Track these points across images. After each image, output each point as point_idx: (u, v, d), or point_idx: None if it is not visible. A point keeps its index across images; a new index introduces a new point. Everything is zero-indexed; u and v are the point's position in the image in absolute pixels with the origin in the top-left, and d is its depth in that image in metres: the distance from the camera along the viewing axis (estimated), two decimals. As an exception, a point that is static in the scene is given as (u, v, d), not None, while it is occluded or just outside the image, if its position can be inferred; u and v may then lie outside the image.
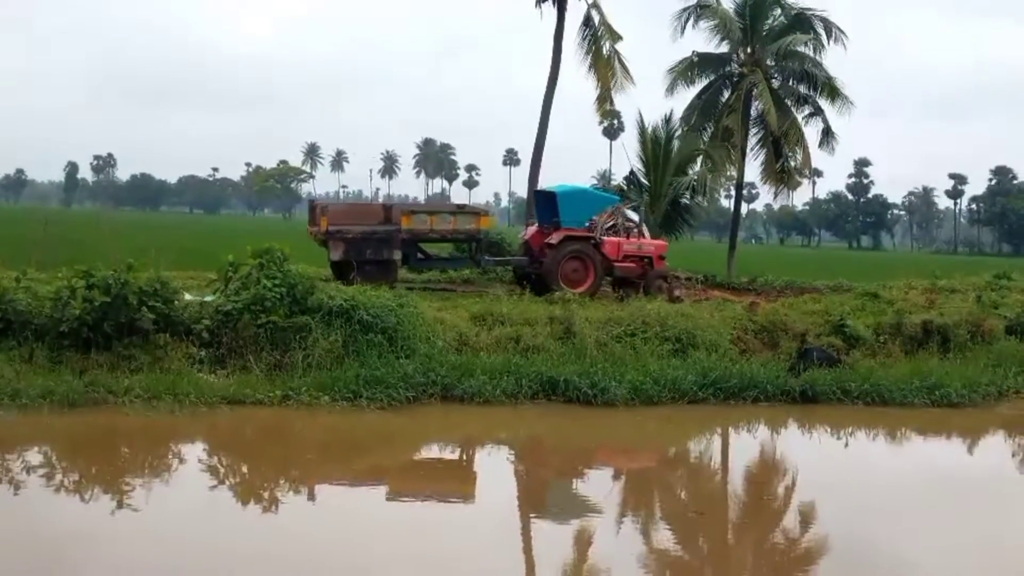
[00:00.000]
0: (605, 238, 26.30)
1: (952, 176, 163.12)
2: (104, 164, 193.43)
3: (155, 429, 15.11)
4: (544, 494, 14.34)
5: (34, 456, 13.88)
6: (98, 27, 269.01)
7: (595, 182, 56.68)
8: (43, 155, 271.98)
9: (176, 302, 17.65)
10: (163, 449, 14.81)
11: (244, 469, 14.35)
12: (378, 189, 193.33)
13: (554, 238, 25.47)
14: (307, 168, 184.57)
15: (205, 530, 11.41)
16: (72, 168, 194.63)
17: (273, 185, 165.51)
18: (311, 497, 13.22)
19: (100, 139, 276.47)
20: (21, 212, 73.42)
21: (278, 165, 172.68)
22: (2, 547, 10.35)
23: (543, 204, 27.52)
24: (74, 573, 9.86)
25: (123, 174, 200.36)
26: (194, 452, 14.89)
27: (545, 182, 35.81)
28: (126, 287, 17.04)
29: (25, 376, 15.83)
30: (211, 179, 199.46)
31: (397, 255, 24.14)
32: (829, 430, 17.83)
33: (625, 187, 39.35)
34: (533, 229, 26.98)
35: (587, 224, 26.31)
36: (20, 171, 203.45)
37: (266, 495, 13.05)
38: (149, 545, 10.90)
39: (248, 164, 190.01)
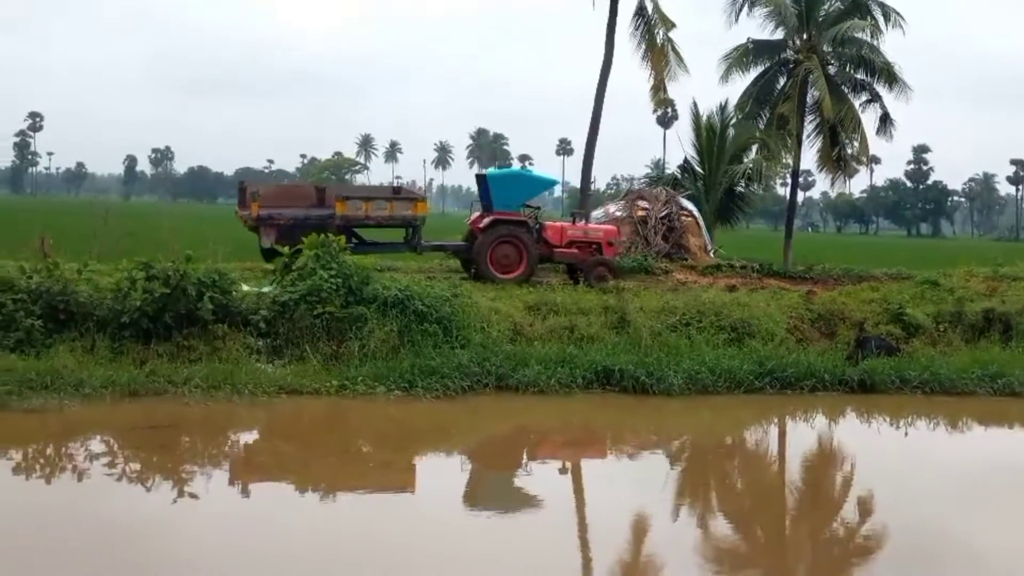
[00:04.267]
0: (547, 223, 26.16)
1: (1014, 162, 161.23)
2: (162, 157, 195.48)
3: (215, 418, 15.29)
4: (600, 485, 14.32)
5: (97, 445, 14.04)
6: (155, 20, 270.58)
7: (649, 170, 56.54)
8: (103, 149, 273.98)
9: (234, 293, 17.89)
10: (223, 438, 15.02)
11: (302, 459, 14.39)
12: (431, 180, 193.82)
13: (483, 222, 25.22)
14: (361, 159, 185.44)
15: (264, 520, 11.52)
16: (131, 161, 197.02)
17: (328, 177, 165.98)
18: (367, 488, 13.27)
19: (158, 132, 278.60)
20: (81, 205, 74.16)
21: (333, 157, 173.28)
22: (67, 535, 10.57)
23: (483, 188, 26.85)
24: (136, 561, 9.99)
25: (180, 167, 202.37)
26: (253, 441, 15.14)
27: (598, 170, 35.77)
28: (185, 278, 17.23)
29: (87, 366, 16.02)
30: (266, 171, 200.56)
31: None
32: (888, 419, 17.73)
33: (679, 176, 39.32)
34: (477, 214, 26.66)
35: (523, 206, 25.95)
36: (80, 164, 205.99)
37: (324, 485, 13.05)
38: (210, 534, 11.09)
39: (303, 156, 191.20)
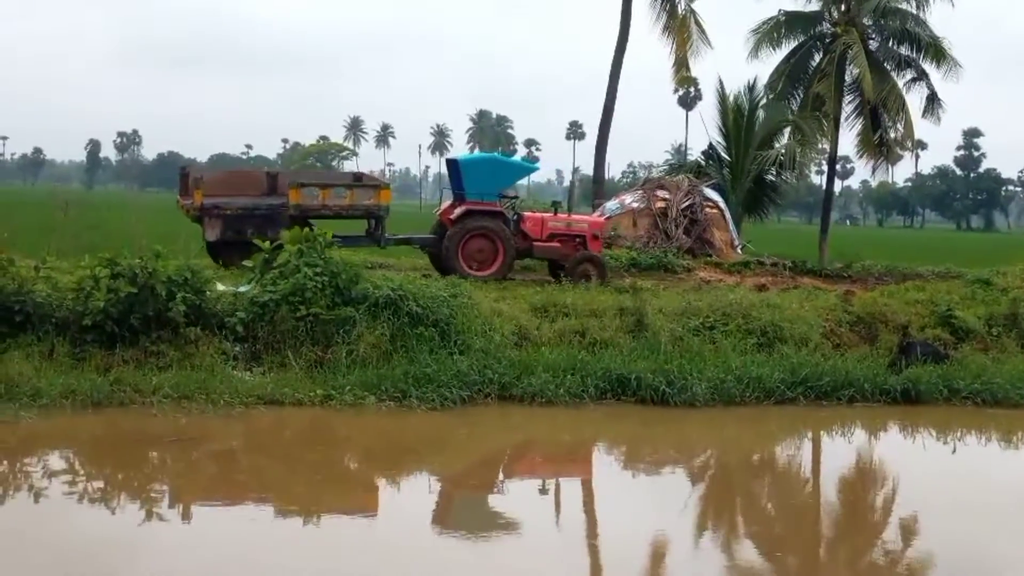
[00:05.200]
0: (527, 214, 26.16)
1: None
2: (128, 142, 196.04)
3: (186, 431, 15.14)
4: (614, 507, 14.22)
5: (56, 461, 13.94)
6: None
7: (669, 157, 56.45)
8: (63, 133, 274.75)
9: (208, 293, 17.80)
10: (195, 454, 14.87)
11: (281, 477, 14.35)
12: (427, 167, 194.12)
13: (455, 212, 25.00)
14: (350, 144, 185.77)
15: (238, 542, 11.50)
16: (94, 146, 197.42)
17: (313, 164, 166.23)
18: (353, 510, 13.28)
19: (124, 115, 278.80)
20: (40, 194, 74.53)
21: (318, 141, 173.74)
22: (24, 556, 10.51)
23: (455, 175, 26.54)
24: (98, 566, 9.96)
25: (149, 153, 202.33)
26: (228, 458, 15.02)
27: (613, 157, 35.82)
28: (154, 277, 17.15)
29: (46, 374, 15.93)
30: (244, 157, 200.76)
31: (284, 232, 21.48)
32: (935, 433, 17.66)
33: (703, 163, 39.27)
34: (448, 204, 26.45)
35: (500, 195, 25.79)
36: (38, 150, 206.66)
37: (306, 506, 13.04)
38: (178, 558, 11.02)
39: (285, 141, 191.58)
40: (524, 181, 43.94)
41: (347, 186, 26.19)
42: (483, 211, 24.90)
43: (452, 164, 27.20)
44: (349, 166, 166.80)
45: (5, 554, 10.73)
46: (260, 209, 23.89)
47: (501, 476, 15.26)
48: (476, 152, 34.82)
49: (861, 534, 13.47)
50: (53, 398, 15.42)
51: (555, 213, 26.32)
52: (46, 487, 12.97)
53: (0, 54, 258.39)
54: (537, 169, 29.99)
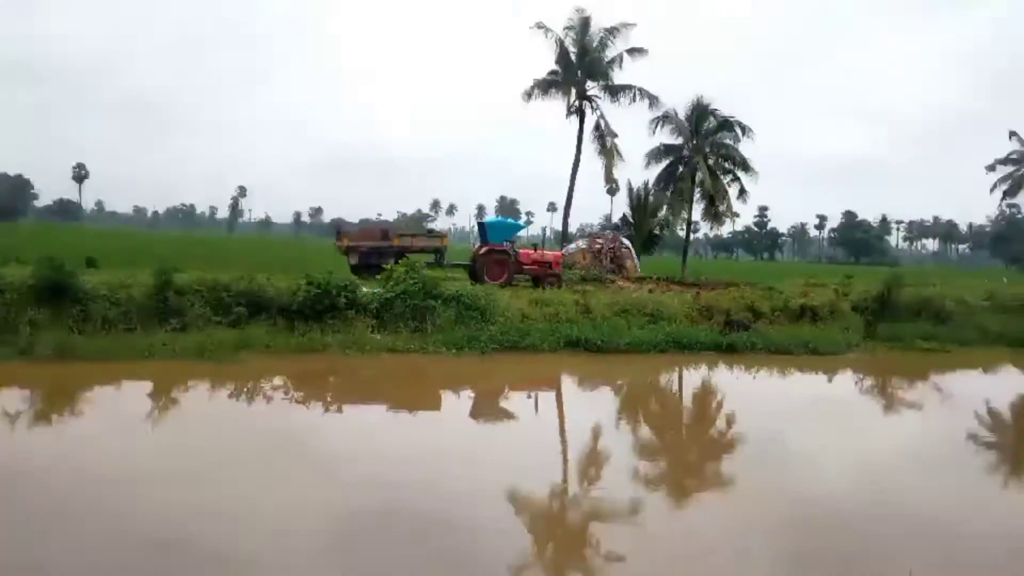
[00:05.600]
0: (520, 250, 26.06)
1: (818, 216, 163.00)
2: (315, 212, 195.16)
3: (347, 366, 15.33)
4: (574, 399, 14.40)
5: (278, 381, 14.03)
6: (311, 124, 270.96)
7: (602, 222, 56.67)
8: (280, 207, 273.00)
9: (357, 292, 17.89)
10: (353, 377, 15.01)
11: (394, 389, 14.38)
12: (474, 226, 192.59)
13: (481, 251, 25.37)
14: (432, 214, 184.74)
15: (367, 423, 11.67)
16: (297, 215, 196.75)
17: (410, 224, 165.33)
18: (428, 407, 13.36)
19: (313, 197, 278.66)
20: (269, 241, 74.22)
21: (415, 212, 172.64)
22: (258, 436, 10.67)
23: (482, 230, 27.06)
24: (299, 451, 10.06)
25: (326, 218, 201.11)
26: (367, 380, 15.01)
27: (572, 224, 35.88)
28: (329, 284, 17.35)
29: (272, 335, 16.16)
30: (377, 218, 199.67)
31: (391, 261, 22.50)
32: (743, 368, 17.72)
33: (620, 224, 39.35)
34: (478, 245, 26.61)
35: (506, 241, 25.79)
36: (267, 216, 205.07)
37: (404, 404, 13.21)
38: (345, 428, 11.16)
39: (398, 211, 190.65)
40: (523, 233, 44.61)
41: (425, 236, 26.48)
42: (497, 250, 25.12)
43: (481, 225, 27.68)
44: (431, 225, 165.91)
45: (249, 432, 10.90)
46: (378, 249, 24.20)
47: (510, 388, 15.15)
48: (494, 218, 34.71)
49: (705, 416, 13.64)
50: (276, 349, 15.64)
51: (535, 250, 26.44)
52: (271, 394, 13.11)
53: (251, 162, 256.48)
54: (525, 227, 30.52)
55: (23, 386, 12.59)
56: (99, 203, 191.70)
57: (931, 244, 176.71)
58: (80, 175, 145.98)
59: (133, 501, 7.58)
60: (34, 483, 8.08)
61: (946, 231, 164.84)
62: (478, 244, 26.79)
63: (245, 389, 13.14)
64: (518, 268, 25.21)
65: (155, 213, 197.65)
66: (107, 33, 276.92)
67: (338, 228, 27.44)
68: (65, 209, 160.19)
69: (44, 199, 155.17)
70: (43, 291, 15.58)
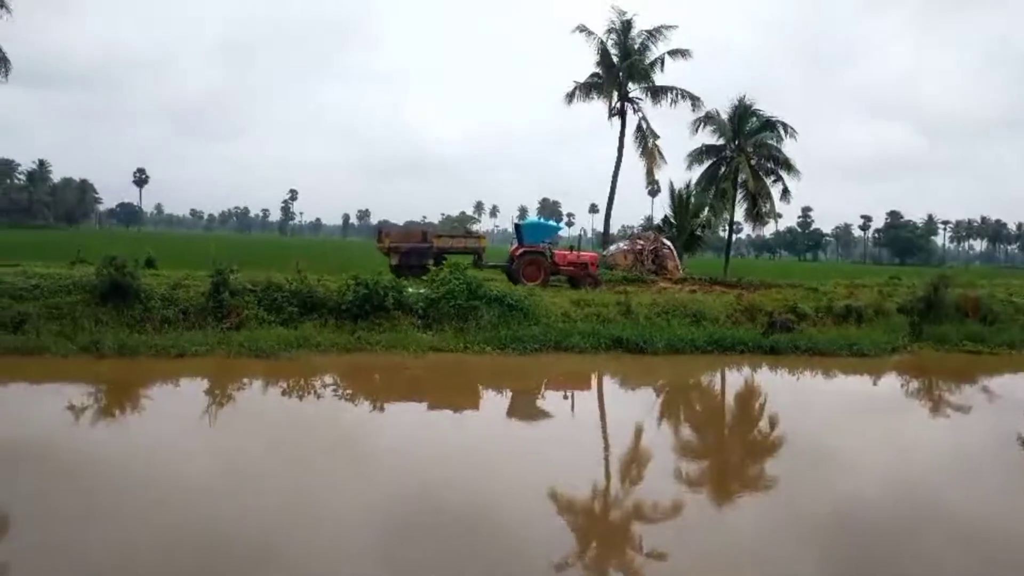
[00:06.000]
0: (556, 251, 25.76)
1: (862, 216, 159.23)
2: (364, 215, 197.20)
3: (395, 364, 15.44)
4: (616, 399, 14.35)
5: (327, 379, 14.23)
6: (357, 131, 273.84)
7: (643, 223, 56.04)
8: (330, 210, 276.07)
9: (404, 292, 18.04)
10: (400, 375, 15.06)
11: (438, 386, 14.49)
12: (512, 225, 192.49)
13: (517, 252, 25.06)
14: (476, 215, 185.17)
15: (407, 420, 11.77)
16: (346, 218, 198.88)
17: (454, 225, 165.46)
18: (466, 407, 13.43)
19: (361, 200, 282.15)
20: (319, 243, 75.40)
21: (459, 214, 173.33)
22: (309, 428, 10.84)
23: (518, 231, 26.78)
24: (343, 436, 10.21)
25: (373, 220, 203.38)
26: (412, 377, 15.05)
27: (614, 225, 35.73)
28: (377, 284, 17.57)
29: (322, 334, 16.36)
30: (422, 221, 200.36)
31: (430, 262, 23.38)
32: (787, 369, 17.46)
33: (662, 225, 39.01)
34: (515, 246, 26.30)
35: (543, 242, 25.45)
36: (318, 219, 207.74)
37: (456, 400, 13.29)
38: (390, 423, 11.27)
39: (442, 213, 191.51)
40: (564, 232, 44.49)
41: (463, 236, 26.51)
42: (533, 251, 24.94)
43: (517, 226, 27.46)
44: (474, 227, 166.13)
45: (300, 428, 11.07)
46: (418, 249, 24.29)
47: (552, 388, 15.13)
48: (530, 219, 34.78)
49: (747, 418, 13.47)
50: (326, 347, 15.82)
51: (571, 251, 26.26)
52: (322, 392, 13.32)
53: (302, 167, 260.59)
54: (561, 228, 30.45)
55: (88, 381, 12.98)
56: (158, 206, 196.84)
57: (979, 244, 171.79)
58: (141, 179, 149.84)
59: (186, 494, 7.77)
60: (93, 474, 8.33)
61: (994, 231, 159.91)
62: (515, 246, 26.74)
63: (297, 386, 13.33)
64: (554, 269, 25.10)
65: (210, 216, 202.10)
66: (162, 38, 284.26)
67: (379, 229, 27.60)
68: (127, 213, 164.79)
69: (107, 203, 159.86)
70: (106, 290, 16.07)
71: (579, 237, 32.19)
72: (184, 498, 7.62)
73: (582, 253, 26.59)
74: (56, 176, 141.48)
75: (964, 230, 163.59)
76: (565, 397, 14.40)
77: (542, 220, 32.68)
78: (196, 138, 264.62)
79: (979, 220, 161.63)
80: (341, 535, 6.90)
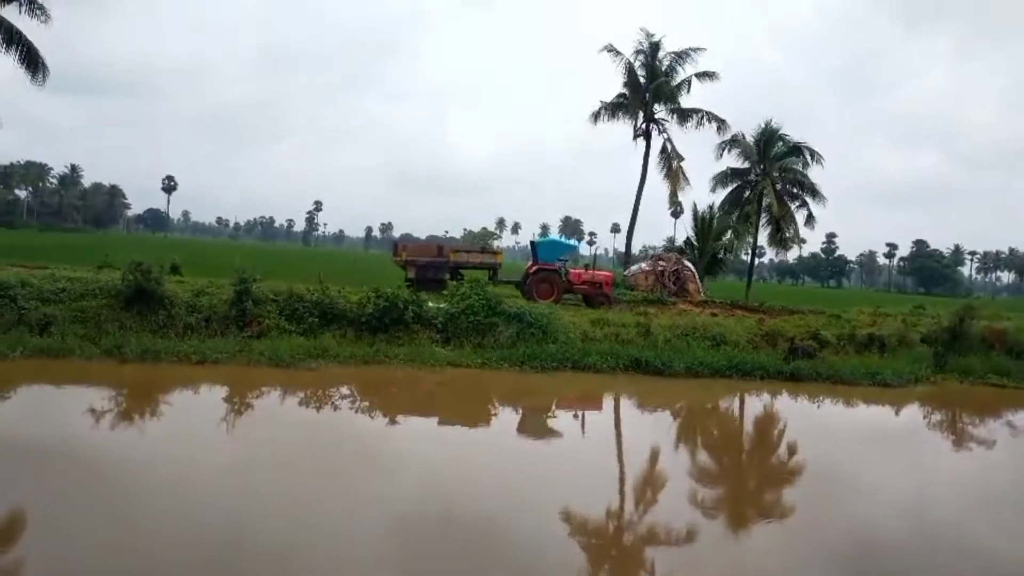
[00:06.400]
0: (571, 269, 25.78)
1: (888, 244, 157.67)
2: (387, 228, 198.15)
3: (412, 378, 15.45)
4: (633, 423, 14.27)
5: (344, 390, 14.30)
6: (384, 147, 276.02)
7: (665, 244, 55.86)
8: (354, 221, 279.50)
9: (423, 307, 18.09)
10: (417, 389, 15.04)
11: (455, 401, 14.48)
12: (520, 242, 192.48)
13: (531, 269, 25.18)
14: (497, 231, 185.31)
15: (419, 434, 11.79)
16: (369, 230, 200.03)
17: (476, 241, 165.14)
18: (480, 423, 13.40)
19: (385, 212, 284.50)
20: (342, 255, 75.80)
21: (480, 230, 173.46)
22: (323, 438, 10.89)
23: (533, 249, 26.80)
24: (361, 452, 10.24)
25: (396, 234, 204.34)
26: (429, 392, 15.07)
27: (635, 246, 35.66)
28: (397, 298, 17.63)
29: (341, 345, 16.44)
30: (443, 236, 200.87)
31: (446, 276, 23.81)
32: (807, 397, 17.28)
33: (684, 247, 38.93)
34: (530, 263, 26.36)
35: (558, 260, 25.48)
36: (341, 230, 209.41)
37: (472, 416, 13.31)
38: (402, 437, 11.29)
39: (464, 228, 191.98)
40: (585, 251, 44.49)
41: (479, 251, 26.68)
42: (547, 268, 25.02)
43: (532, 244, 27.51)
44: (496, 243, 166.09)
45: (317, 439, 11.10)
46: (435, 263, 24.46)
47: (568, 407, 15.12)
48: (546, 237, 34.61)
49: (765, 444, 13.34)
50: (345, 358, 15.86)
51: (586, 269, 26.29)
52: (339, 402, 13.40)
53: (329, 179, 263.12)
54: (576, 247, 30.47)
55: (110, 385, 13.15)
56: (185, 213, 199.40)
57: (1006, 276, 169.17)
58: (169, 187, 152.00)
59: (201, 499, 7.83)
60: (113, 476, 8.43)
61: (1023, 263, 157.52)
62: (530, 263, 26.77)
63: (315, 396, 13.40)
64: (567, 287, 25.10)
65: (236, 224, 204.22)
66: (196, 48, 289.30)
67: (395, 243, 27.88)
68: (154, 218, 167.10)
69: (136, 208, 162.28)
70: (131, 295, 16.29)
71: (594, 256, 32.19)
72: (201, 502, 7.68)
73: (597, 272, 26.59)
74: (87, 181, 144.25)
75: (991, 261, 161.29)
76: (575, 417, 14.31)
77: (559, 239, 32.88)
78: (227, 147, 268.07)
79: (1007, 251, 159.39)
80: (355, 545, 6.91)
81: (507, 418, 13.70)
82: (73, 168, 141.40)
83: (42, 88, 26.72)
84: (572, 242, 31.99)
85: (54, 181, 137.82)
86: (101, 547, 6.56)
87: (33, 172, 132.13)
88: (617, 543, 7.91)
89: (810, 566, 7.32)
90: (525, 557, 7.03)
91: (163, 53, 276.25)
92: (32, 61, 26.05)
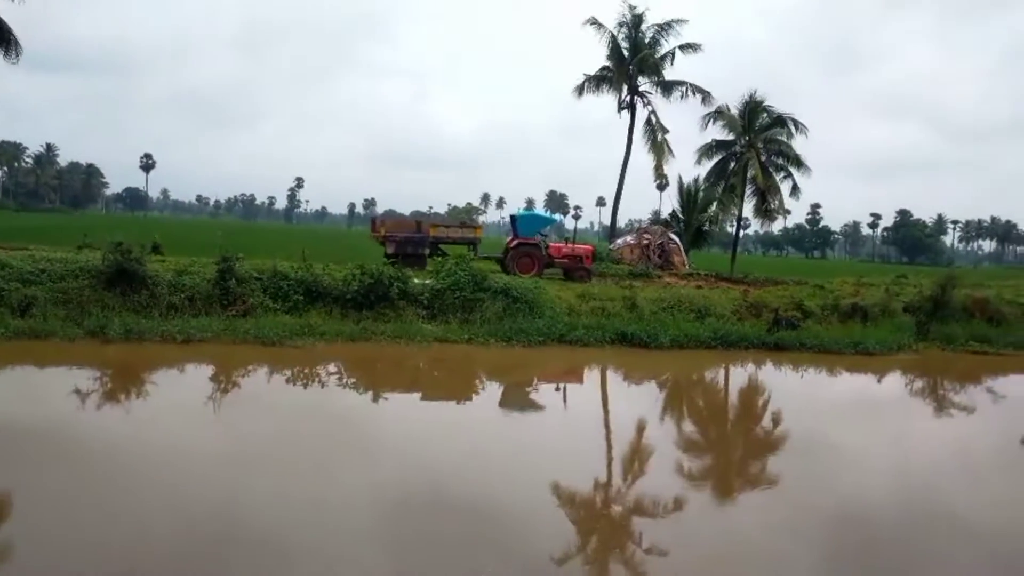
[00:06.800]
0: (551, 243, 25.87)
1: (872, 214, 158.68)
2: (369, 204, 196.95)
3: (399, 354, 15.45)
4: (619, 393, 14.36)
5: (331, 367, 14.25)
6: (366, 122, 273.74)
7: (650, 217, 55.92)
8: (335, 198, 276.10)
9: (409, 283, 18.05)
10: (404, 365, 15.07)
11: (442, 378, 14.53)
12: (504, 218, 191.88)
13: (512, 243, 25.21)
14: (482, 207, 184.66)
15: (406, 410, 11.81)
16: (352, 207, 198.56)
17: (460, 216, 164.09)
18: (482, 393, 13.44)
19: (367, 189, 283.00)
20: (325, 232, 75.38)
21: (465, 205, 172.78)
22: (309, 417, 10.89)
23: (513, 223, 26.83)
24: (347, 422, 10.25)
25: (379, 210, 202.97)
26: (415, 368, 15.13)
27: (621, 219, 35.66)
28: (382, 274, 17.58)
29: (327, 323, 16.39)
30: (427, 212, 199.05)
31: (425, 251, 23.86)
32: (791, 366, 17.45)
33: (669, 220, 39.02)
34: (510, 238, 26.42)
35: (538, 233, 25.58)
36: (323, 207, 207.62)
37: (460, 391, 13.35)
38: (388, 412, 11.31)
39: (448, 204, 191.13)
40: (570, 225, 44.29)
41: (458, 226, 26.70)
42: (528, 243, 25.05)
43: (512, 218, 27.50)
44: (480, 219, 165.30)
45: (304, 417, 11.08)
46: (413, 239, 24.38)
47: (555, 381, 15.06)
48: (524, 211, 34.56)
49: (749, 413, 13.47)
50: (331, 336, 15.84)
51: (567, 243, 26.34)
52: (326, 379, 13.37)
53: (309, 156, 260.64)
54: (556, 221, 30.53)
55: (94, 365, 13.06)
56: (164, 192, 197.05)
57: (988, 245, 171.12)
58: (147, 165, 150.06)
59: (188, 479, 7.82)
60: (99, 459, 8.39)
61: (1004, 231, 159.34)
62: (510, 237, 26.73)
63: (301, 374, 13.38)
64: (548, 261, 25.11)
65: (216, 202, 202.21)
66: (175, 25, 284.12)
67: (373, 219, 27.77)
68: (133, 197, 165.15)
69: (114, 187, 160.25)
70: (112, 275, 16.13)
71: (575, 229, 32.20)
72: (189, 484, 7.66)
73: (576, 246, 26.63)
74: (63, 160, 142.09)
75: (973, 230, 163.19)
76: (557, 390, 14.34)
77: (537, 213, 32.79)
78: (206, 125, 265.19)
79: (989, 220, 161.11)
80: (345, 520, 6.94)
81: (497, 393, 13.73)
82: (48, 147, 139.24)
83: (15, 65, 26.23)
84: (552, 216, 31.92)
85: (29, 161, 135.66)
86: (87, 528, 6.54)
87: (8, 152, 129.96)
88: (606, 515, 7.99)
89: (796, 534, 7.43)
90: (521, 529, 7.08)
91: (141, 30, 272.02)
92: (3, 39, 25.52)
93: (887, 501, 8.53)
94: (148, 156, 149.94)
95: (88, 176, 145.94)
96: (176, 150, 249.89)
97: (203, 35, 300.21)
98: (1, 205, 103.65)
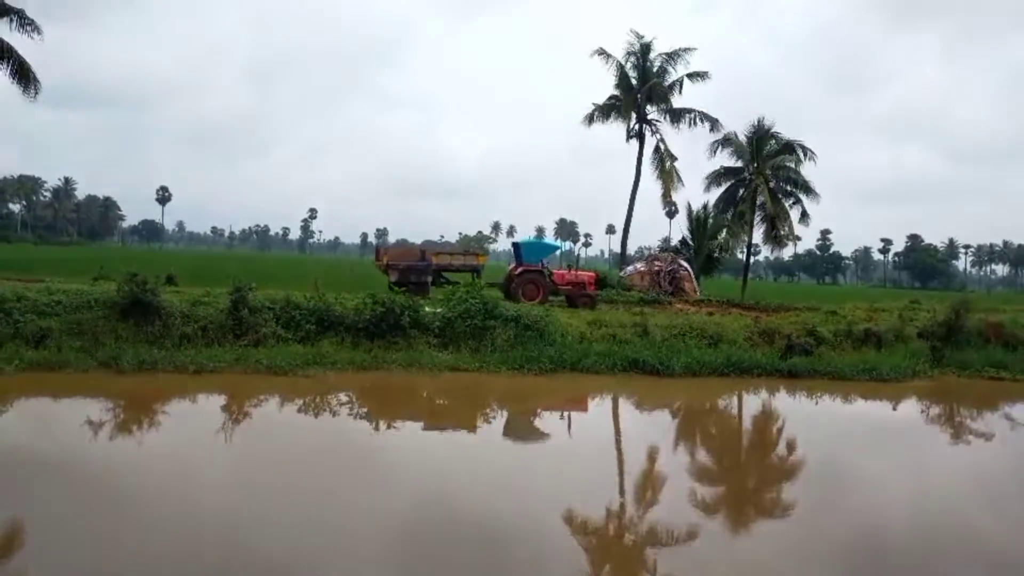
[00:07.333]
0: (555, 270, 25.88)
1: (882, 240, 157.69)
2: (381, 234, 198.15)
3: (410, 383, 15.41)
4: (631, 422, 14.24)
5: (342, 396, 14.23)
6: (376, 153, 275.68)
7: (660, 244, 55.92)
8: (349, 228, 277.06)
9: (420, 311, 18.02)
10: (413, 393, 15.06)
11: (453, 406, 14.47)
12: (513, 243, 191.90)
13: (515, 270, 25.17)
14: (492, 235, 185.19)
15: (412, 440, 11.74)
16: (364, 237, 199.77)
17: (471, 244, 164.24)
18: (493, 422, 13.35)
19: (380, 219, 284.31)
20: (338, 261, 75.57)
21: (476, 234, 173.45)
22: (320, 444, 10.85)
23: (517, 250, 26.67)
24: (356, 454, 10.20)
25: (391, 239, 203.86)
26: (426, 397, 15.12)
27: (631, 246, 35.67)
28: (394, 303, 17.57)
29: (338, 351, 16.37)
30: (438, 240, 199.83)
31: (429, 279, 23.83)
32: (804, 393, 17.26)
33: (679, 247, 39.00)
34: (513, 265, 26.33)
35: (540, 262, 25.52)
36: (337, 238, 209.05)
37: (472, 419, 13.27)
38: (399, 442, 11.25)
39: (460, 232, 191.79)
40: (581, 252, 44.55)
41: (462, 253, 26.67)
42: (532, 269, 25.03)
43: (515, 245, 27.38)
44: (491, 247, 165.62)
45: (315, 445, 11.06)
46: (417, 266, 24.37)
47: (567, 409, 14.96)
48: (530, 238, 34.65)
49: (764, 440, 13.32)
50: (342, 364, 15.81)
51: (570, 270, 26.35)
52: (337, 408, 13.32)
53: (321, 187, 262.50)
54: (560, 248, 30.57)
55: (106, 397, 13.08)
56: (180, 224, 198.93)
57: (1001, 269, 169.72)
58: (163, 197, 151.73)
59: (200, 508, 7.79)
60: (110, 490, 8.37)
61: (1017, 256, 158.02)
62: (513, 264, 26.73)
63: (313, 403, 13.35)
64: (552, 288, 25.10)
65: (231, 233, 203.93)
66: (189, 58, 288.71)
67: (376, 247, 27.89)
68: (149, 230, 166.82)
69: (130, 220, 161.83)
70: (126, 307, 16.23)
71: (576, 257, 32.23)
72: (201, 513, 7.63)
73: (580, 272, 26.62)
74: (81, 193, 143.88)
75: (986, 254, 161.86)
76: (567, 418, 14.25)
77: (541, 240, 32.83)
78: (220, 157, 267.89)
79: (1001, 244, 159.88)
80: (357, 548, 6.88)
81: (509, 421, 13.64)
82: (66, 181, 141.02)
83: (34, 102, 26.70)
84: (556, 243, 31.99)
85: (47, 194, 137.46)
86: (100, 560, 6.51)
87: (26, 186, 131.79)
88: (620, 542, 7.88)
89: (811, 562, 7.29)
90: (534, 556, 7.00)
91: (154, 65, 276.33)
92: (23, 76, 25.98)
93: (904, 530, 8.38)
94: (164, 188, 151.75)
95: (105, 209, 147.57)
96: (192, 182, 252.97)
97: (216, 68, 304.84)
98: (20, 239, 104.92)
